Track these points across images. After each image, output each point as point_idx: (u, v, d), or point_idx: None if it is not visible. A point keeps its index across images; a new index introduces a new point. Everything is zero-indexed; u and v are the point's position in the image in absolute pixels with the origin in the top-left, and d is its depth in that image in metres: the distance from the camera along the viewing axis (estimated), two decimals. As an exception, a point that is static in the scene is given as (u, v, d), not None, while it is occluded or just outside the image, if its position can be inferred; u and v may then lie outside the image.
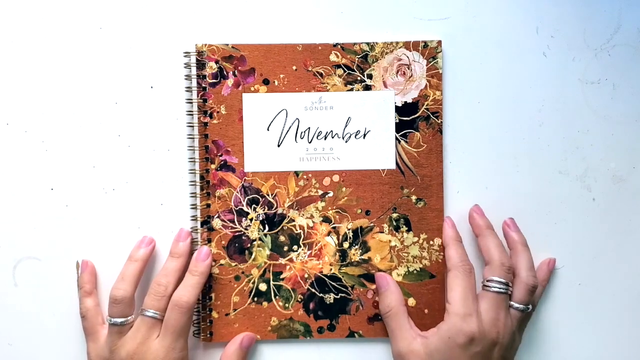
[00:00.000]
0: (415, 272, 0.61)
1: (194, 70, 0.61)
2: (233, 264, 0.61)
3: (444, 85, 0.61)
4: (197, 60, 0.60)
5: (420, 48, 0.61)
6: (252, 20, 0.62)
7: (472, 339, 0.55)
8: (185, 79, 0.61)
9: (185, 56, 0.61)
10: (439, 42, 0.61)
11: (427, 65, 0.61)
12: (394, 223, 0.61)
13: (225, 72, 0.60)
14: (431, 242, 0.61)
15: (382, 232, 0.61)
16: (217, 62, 0.60)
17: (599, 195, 0.63)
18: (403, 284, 0.61)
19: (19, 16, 0.61)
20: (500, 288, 0.57)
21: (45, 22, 0.61)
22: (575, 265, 0.63)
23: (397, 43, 0.60)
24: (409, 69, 0.61)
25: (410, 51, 0.61)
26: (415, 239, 0.61)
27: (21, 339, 0.62)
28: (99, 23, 0.61)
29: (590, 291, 0.63)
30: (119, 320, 0.57)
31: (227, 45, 0.60)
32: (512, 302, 0.58)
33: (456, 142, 0.62)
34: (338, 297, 0.61)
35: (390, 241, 0.61)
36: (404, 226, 0.61)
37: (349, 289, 0.61)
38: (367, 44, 0.60)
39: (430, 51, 0.61)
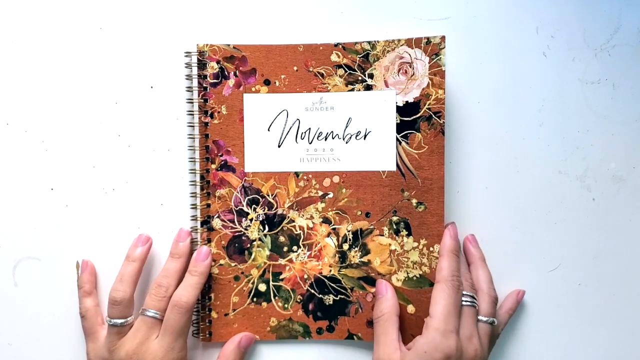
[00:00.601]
0: (415, 278, 0.60)
1: (195, 70, 0.60)
2: (233, 264, 0.61)
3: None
4: (198, 60, 0.60)
5: (422, 45, 0.59)
6: (253, 21, 0.62)
7: (449, 357, 0.54)
8: (186, 79, 0.61)
9: (186, 56, 0.61)
10: (443, 38, 0.59)
11: (429, 62, 0.59)
12: (394, 226, 0.60)
13: (226, 73, 0.60)
14: (431, 249, 0.59)
15: (382, 235, 0.60)
16: (218, 62, 0.60)
17: (599, 195, 0.63)
18: (403, 289, 0.60)
19: (19, 16, 0.61)
20: (472, 302, 0.57)
21: (45, 22, 0.61)
22: (575, 265, 0.63)
23: (398, 40, 0.59)
24: (410, 67, 0.59)
25: (413, 48, 0.59)
26: (415, 244, 0.60)
27: (21, 339, 0.62)
28: (99, 23, 0.61)
29: (590, 291, 0.63)
30: (119, 321, 0.57)
31: (229, 45, 0.60)
32: (479, 317, 0.58)
33: (456, 142, 0.62)
34: (337, 298, 0.61)
35: (390, 245, 0.60)
36: (404, 230, 0.60)
37: (348, 290, 0.61)
38: (369, 42, 0.60)
39: (433, 47, 0.59)
